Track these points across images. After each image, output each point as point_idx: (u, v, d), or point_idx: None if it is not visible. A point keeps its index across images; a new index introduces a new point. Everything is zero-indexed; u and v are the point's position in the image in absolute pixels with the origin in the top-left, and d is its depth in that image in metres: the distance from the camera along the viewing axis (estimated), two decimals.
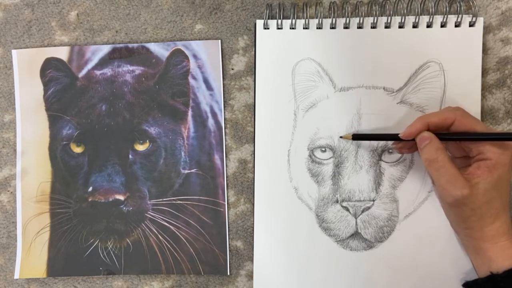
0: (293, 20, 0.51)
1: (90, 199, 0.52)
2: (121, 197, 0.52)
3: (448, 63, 0.49)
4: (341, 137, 0.50)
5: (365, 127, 0.50)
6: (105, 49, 0.53)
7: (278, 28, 0.51)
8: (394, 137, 0.47)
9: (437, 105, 0.50)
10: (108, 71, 0.53)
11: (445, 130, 0.44)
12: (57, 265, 0.53)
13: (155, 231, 0.52)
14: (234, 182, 0.53)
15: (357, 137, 0.49)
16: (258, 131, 0.51)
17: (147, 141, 0.52)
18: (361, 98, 0.50)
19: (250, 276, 0.52)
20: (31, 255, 0.53)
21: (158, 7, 0.53)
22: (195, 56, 0.52)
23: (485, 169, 0.42)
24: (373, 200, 0.50)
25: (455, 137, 0.44)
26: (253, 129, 0.52)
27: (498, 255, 0.43)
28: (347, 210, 0.50)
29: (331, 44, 0.51)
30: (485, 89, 0.51)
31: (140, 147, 0.52)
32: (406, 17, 0.50)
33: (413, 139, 0.45)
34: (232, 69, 0.53)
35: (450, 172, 0.42)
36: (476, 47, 0.50)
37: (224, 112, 0.53)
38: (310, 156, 0.51)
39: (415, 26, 0.50)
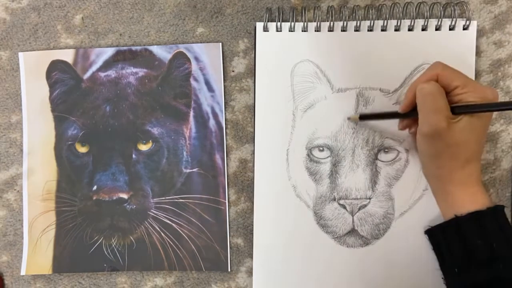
0: (292, 23, 0.52)
1: (94, 198, 0.53)
2: (124, 196, 0.53)
3: None
4: (348, 118, 0.51)
5: (362, 127, 0.51)
6: (109, 52, 0.54)
7: (278, 31, 0.52)
8: (395, 114, 0.48)
9: None
10: (112, 73, 0.54)
11: None
12: (63, 261, 0.54)
13: (158, 229, 0.53)
14: (235, 181, 0.54)
15: (363, 116, 0.50)
16: (258, 131, 0.52)
17: (150, 141, 0.53)
18: (358, 99, 0.51)
19: (250, 272, 0.53)
20: (37, 252, 0.54)
21: (161, 11, 0.54)
22: (196, 59, 0.53)
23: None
24: (370, 198, 0.51)
25: (463, 110, 0.43)
26: (253, 129, 0.53)
27: (465, 200, 0.44)
28: (344, 207, 0.51)
29: (329, 46, 0.52)
30: None
31: (143, 147, 0.53)
32: (402, 20, 0.51)
33: (414, 113, 0.45)
34: (233, 71, 0.54)
35: (436, 102, 0.42)
36: (470, 49, 0.51)
37: (225, 113, 0.54)
38: (308, 155, 0.52)
39: (410, 29, 0.51)
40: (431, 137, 0.43)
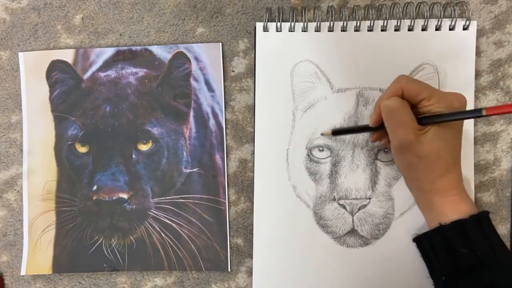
0: (292, 23, 0.52)
1: (94, 198, 0.53)
2: (124, 196, 0.53)
3: (442, 65, 0.51)
4: (322, 134, 0.51)
5: None
6: (109, 52, 0.54)
7: (278, 31, 0.52)
8: (366, 128, 0.49)
9: None
10: (112, 73, 0.54)
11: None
12: (63, 261, 0.54)
13: (158, 229, 0.53)
14: (235, 181, 0.54)
15: (336, 132, 0.50)
16: (257, 131, 0.52)
17: (150, 141, 0.53)
18: (358, 99, 0.51)
19: (250, 272, 0.53)
20: (37, 252, 0.54)
21: (161, 11, 0.54)
22: (196, 59, 0.54)
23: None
24: (369, 198, 0.51)
25: (429, 121, 0.43)
26: (253, 129, 0.53)
27: (448, 209, 0.44)
28: (344, 207, 0.51)
29: (329, 46, 0.52)
30: (479, 90, 0.52)
31: (143, 147, 0.53)
32: (402, 20, 0.51)
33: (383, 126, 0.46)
34: (233, 71, 0.54)
35: (400, 117, 0.43)
36: (470, 50, 0.51)
37: (225, 113, 0.54)
38: (308, 155, 0.52)
39: (410, 29, 0.51)
40: (402, 150, 0.44)
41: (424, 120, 0.43)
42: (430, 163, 0.43)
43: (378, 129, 0.47)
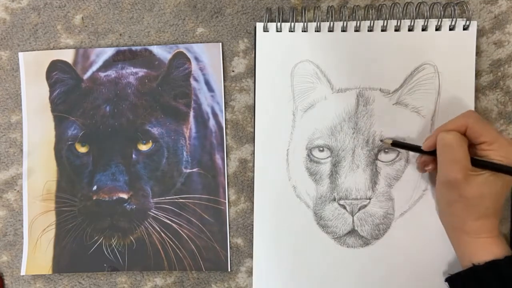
0: (292, 23, 0.52)
1: (94, 198, 0.53)
2: (124, 196, 0.53)
3: (442, 65, 0.51)
4: (381, 141, 0.50)
5: (362, 127, 0.51)
6: (109, 52, 0.54)
7: (278, 31, 0.52)
8: (419, 149, 0.47)
9: (432, 106, 0.51)
10: (112, 73, 0.54)
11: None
12: (63, 261, 0.54)
13: (158, 229, 0.53)
14: (235, 181, 0.54)
15: (396, 144, 0.49)
16: (258, 131, 0.52)
17: (150, 141, 0.53)
18: (358, 99, 0.51)
19: (250, 272, 0.53)
20: (37, 252, 0.54)
21: (161, 11, 0.54)
22: (196, 59, 0.54)
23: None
24: (370, 198, 0.51)
25: (483, 165, 0.43)
26: (253, 129, 0.53)
27: (478, 250, 0.43)
28: (344, 208, 0.51)
29: (329, 46, 0.52)
30: (479, 90, 0.52)
31: (143, 147, 0.53)
32: (402, 20, 0.51)
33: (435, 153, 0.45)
34: (233, 71, 0.54)
35: (455, 154, 0.42)
36: (470, 50, 0.51)
37: (225, 113, 0.54)
38: (308, 155, 0.52)
39: (410, 29, 0.51)
40: (447, 186, 0.44)
41: (478, 162, 0.43)
42: (470, 205, 0.43)
43: (430, 154, 0.46)
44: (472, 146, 0.44)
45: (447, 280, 0.47)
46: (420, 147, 0.47)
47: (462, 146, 0.43)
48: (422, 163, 0.49)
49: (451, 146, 0.43)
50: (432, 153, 0.46)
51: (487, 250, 0.43)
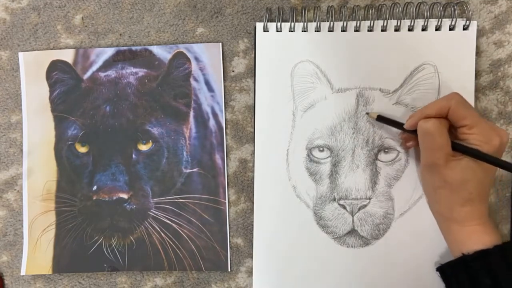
0: (292, 23, 0.52)
1: (94, 198, 0.53)
2: (124, 196, 0.53)
3: (442, 65, 0.51)
4: (367, 113, 0.51)
5: (362, 127, 0.51)
6: (109, 52, 0.54)
7: (278, 31, 0.52)
8: (402, 126, 0.47)
9: None
10: (112, 73, 0.54)
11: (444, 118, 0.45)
12: (63, 261, 0.54)
13: (158, 229, 0.53)
14: (235, 181, 0.54)
15: (380, 118, 0.49)
16: (258, 131, 0.52)
17: (150, 141, 0.53)
18: (358, 99, 0.51)
19: (250, 272, 0.53)
20: (37, 252, 0.54)
21: (161, 11, 0.54)
22: (196, 59, 0.54)
23: None
24: (369, 198, 0.51)
25: (462, 150, 0.43)
26: (253, 129, 0.53)
27: (467, 238, 0.43)
28: (344, 208, 0.51)
29: (329, 46, 0.52)
30: (479, 90, 0.52)
31: (143, 147, 0.53)
32: (402, 20, 0.51)
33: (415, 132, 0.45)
34: (233, 71, 0.54)
35: (435, 141, 0.43)
36: (470, 50, 0.51)
37: (225, 113, 0.54)
38: (308, 155, 0.52)
39: (410, 29, 0.51)
40: (429, 170, 0.44)
41: (459, 147, 0.43)
42: (453, 190, 0.43)
43: (411, 133, 0.47)
44: (453, 128, 0.44)
45: (438, 269, 0.47)
46: (403, 124, 0.47)
47: (443, 133, 0.43)
48: (404, 138, 0.50)
49: (432, 134, 0.43)
50: (414, 131, 0.46)
51: (476, 239, 0.43)
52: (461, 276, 0.43)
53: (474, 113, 0.43)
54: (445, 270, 0.46)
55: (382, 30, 0.51)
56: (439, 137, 0.43)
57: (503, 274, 0.41)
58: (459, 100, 0.44)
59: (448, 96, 0.45)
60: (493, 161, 0.42)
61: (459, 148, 0.43)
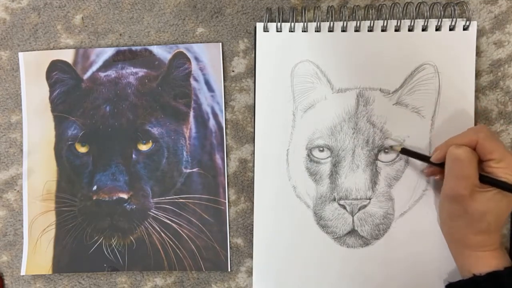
0: (292, 24, 0.52)
1: (94, 198, 0.53)
2: (124, 196, 0.53)
3: (442, 65, 0.51)
4: (391, 146, 0.50)
5: (362, 127, 0.51)
6: (109, 52, 0.54)
7: (278, 31, 0.52)
8: (427, 159, 0.47)
9: (432, 106, 0.51)
10: (112, 73, 0.54)
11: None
12: (63, 261, 0.54)
13: (158, 229, 0.53)
14: (235, 181, 0.54)
15: (404, 151, 0.50)
16: (258, 131, 0.52)
17: (150, 141, 0.53)
18: (358, 99, 0.51)
19: (250, 272, 0.53)
20: (37, 252, 0.54)
21: (161, 11, 0.54)
22: (196, 59, 0.54)
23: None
24: (370, 199, 0.51)
25: (490, 182, 0.43)
26: (253, 129, 0.53)
27: (478, 262, 0.43)
28: (344, 208, 0.51)
29: (329, 46, 0.52)
30: (479, 90, 0.52)
31: (143, 147, 0.53)
32: (402, 20, 0.51)
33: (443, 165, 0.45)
34: (233, 71, 0.54)
35: (464, 170, 0.42)
36: (470, 50, 0.51)
37: (225, 113, 0.54)
38: (308, 155, 0.52)
39: (410, 29, 0.51)
40: (451, 199, 0.44)
41: (486, 179, 0.42)
42: (472, 220, 0.43)
43: (438, 166, 0.46)
44: (479, 161, 0.43)
45: (447, 287, 0.47)
46: (429, 157, 0.47)
47: (473, 162, 0.42)
48: (429, 172, 0.50)
49: (462, 161, 0.42)
50: (441, 164, 0.46)
51: (487, 263, 0.43)
52: None
53: (502, 146, 0.43)
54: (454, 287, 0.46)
55: (382, 30, 0.51)
56: (468, 165, 0.42)
57: None
58: (487, 133, 0.43)
59: (476, 128, 0.45)
60: None
61: (488, 180, 0.42)
